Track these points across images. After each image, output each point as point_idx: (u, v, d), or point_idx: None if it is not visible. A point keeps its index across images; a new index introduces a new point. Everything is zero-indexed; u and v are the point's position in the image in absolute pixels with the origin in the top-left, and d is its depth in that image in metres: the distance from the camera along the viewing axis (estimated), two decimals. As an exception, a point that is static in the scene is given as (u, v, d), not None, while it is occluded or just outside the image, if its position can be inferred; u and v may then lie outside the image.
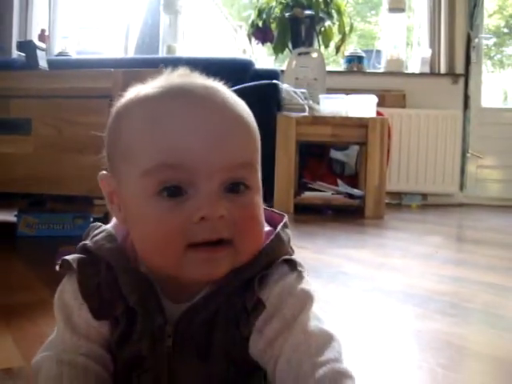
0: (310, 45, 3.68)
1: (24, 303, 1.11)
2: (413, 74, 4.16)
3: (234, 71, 3.32)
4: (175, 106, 0.53)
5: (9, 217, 2.26)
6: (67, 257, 0.58)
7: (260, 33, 3.71)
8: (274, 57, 3.91)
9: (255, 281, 0.56)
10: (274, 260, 0.58)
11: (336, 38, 3.82)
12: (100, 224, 0.63)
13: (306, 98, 3.14)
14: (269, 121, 2.93)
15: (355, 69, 4.08)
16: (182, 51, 4.09)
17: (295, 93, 3.12)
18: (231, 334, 0.56)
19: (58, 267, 0.58)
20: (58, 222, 1.94)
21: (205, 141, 0.52)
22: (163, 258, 0.53)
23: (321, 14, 3.63)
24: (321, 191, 3.17)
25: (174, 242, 0.52)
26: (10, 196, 2.23)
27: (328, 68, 3.80)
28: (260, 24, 3.71)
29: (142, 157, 0.52)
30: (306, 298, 0.57)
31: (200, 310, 0.56)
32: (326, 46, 3.83)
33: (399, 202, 3.99)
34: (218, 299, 0.56)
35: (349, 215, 2.98)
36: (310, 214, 2.95)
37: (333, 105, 3.13)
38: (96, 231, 0.61)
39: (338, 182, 3.28)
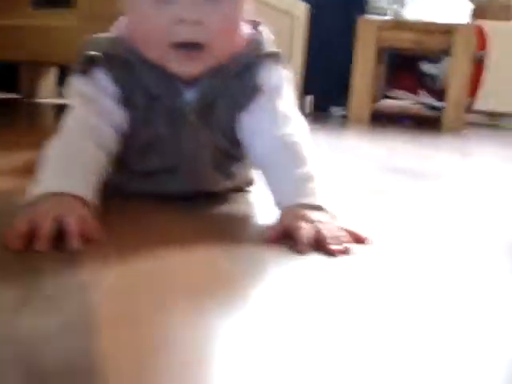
0: None
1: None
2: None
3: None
4: None
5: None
6: (90, 53, 0.66)
7: None
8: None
9: (252, 67, 0.66)
10: (261, 52, 0.67)
11: None
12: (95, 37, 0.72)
13: (391, 1, 2.98)
14: (350, 25, 2.85)
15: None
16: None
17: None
18: (230, 112, 0.68)
19: (81, 63, 0.66)
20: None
21: None
22: (153, 53, 0.64)
23: None
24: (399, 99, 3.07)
25: (158, 38, 0.61)
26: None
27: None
28: None
29: None
30: (285, 79, 0.70)
31: (209, 91, 0.67)
32: None
33: (497, 123, 3.74)
34: (220, 80, 0.66)
35: (426, 126, 2.84)
36: (387, 124, 2.84)
37: (419, 8, 2.95)
38: (99, 39, 0.68)
39: (419, 92, 3.15)
